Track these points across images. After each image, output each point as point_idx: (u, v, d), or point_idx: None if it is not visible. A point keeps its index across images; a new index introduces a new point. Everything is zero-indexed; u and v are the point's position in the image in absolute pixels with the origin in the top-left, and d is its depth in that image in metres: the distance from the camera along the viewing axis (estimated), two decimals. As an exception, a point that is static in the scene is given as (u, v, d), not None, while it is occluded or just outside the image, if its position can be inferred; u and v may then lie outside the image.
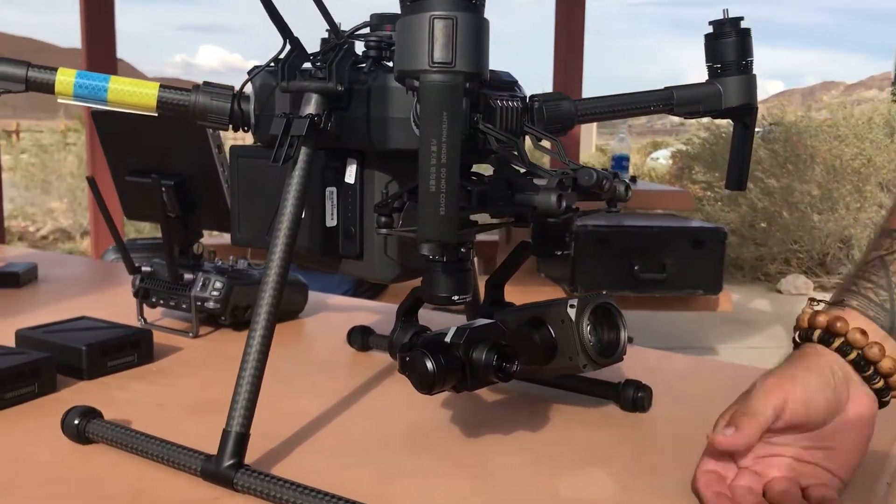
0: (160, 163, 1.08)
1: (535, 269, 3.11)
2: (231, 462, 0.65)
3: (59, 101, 0.73)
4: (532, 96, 0.75)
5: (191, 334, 1.08)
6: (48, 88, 0.73)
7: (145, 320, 1.13)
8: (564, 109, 0.76)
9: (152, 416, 0.81)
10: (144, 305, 1.14)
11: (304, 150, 0.67)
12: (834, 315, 0.66)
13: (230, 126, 0.75)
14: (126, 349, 0.95)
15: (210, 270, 1.09)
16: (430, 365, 0.62)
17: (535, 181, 0.65)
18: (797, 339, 0.70)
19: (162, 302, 1.11)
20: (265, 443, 0.74)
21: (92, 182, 1.05)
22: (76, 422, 0.73)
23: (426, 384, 0.62)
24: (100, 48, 3.75)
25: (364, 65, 0.70)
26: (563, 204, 0.60)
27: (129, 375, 0.93)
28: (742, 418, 0.62)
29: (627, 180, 3.36)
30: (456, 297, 0.63)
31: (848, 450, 0.64)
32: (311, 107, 0.67)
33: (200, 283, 1.07)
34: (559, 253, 0.74)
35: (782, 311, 5.13)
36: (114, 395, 0.87)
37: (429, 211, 0.45)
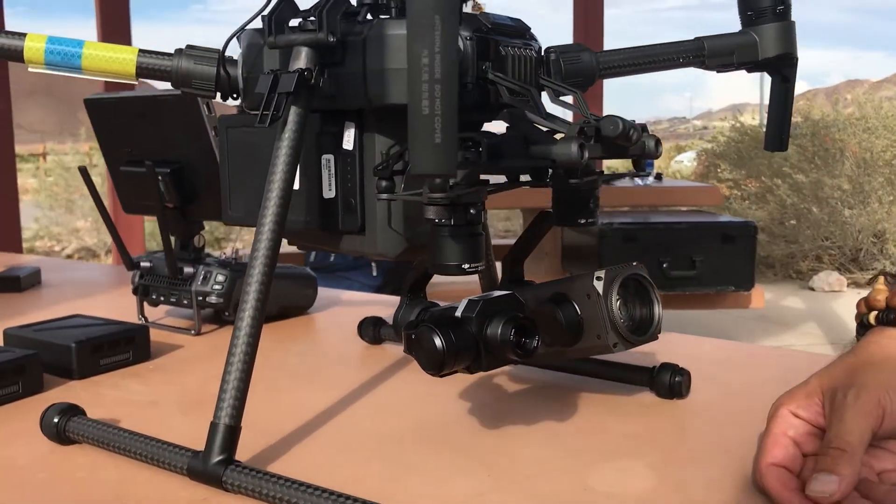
0: (156, 151, 1.01)
1: (561, 267, 3.03)
2: (220, 458, 0.58)
3: (31, 69, 0.67)
4: (548, 48, 0.68)
5: (193, 332, 1.02)
6: (16, 56, 0.67)
7: (146, 319, 1.07)
8: (585, 62, 0.68)
9: (143, 415, 0.75)
10: (145, 303, 1.07)
11: (294, 110, 0.60)
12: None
13: (217, 93, 0.69)
14: (120, 346, 0.88)
15: (212, 264, 1.02)
16: (438, 342, 0.54)
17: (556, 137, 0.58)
18: (869, 322, 0.61)
19: (163, 299, 1.05)
20: (265, 439, 0.67)
21: (84, 172, 0.99)
22: (55, 420, 0.66)
23: (435, 364, 0.54)
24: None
25: (358, 15, 0.63)
26: (586, 154, 0.53)
27: (122, 374, 0.87)
28: (840, 460, 0.52)
29: (652, 177, 3.25)
30: (467, 266, 0.56)
31: None
32: (300, 61, 0.60)
33: (202, 277, 1.01)
34: (583, 221, 0.67)
35: (816, 308, 5.00)
36: (104, 394, 0.80)
37: (422, 139, 0.38)
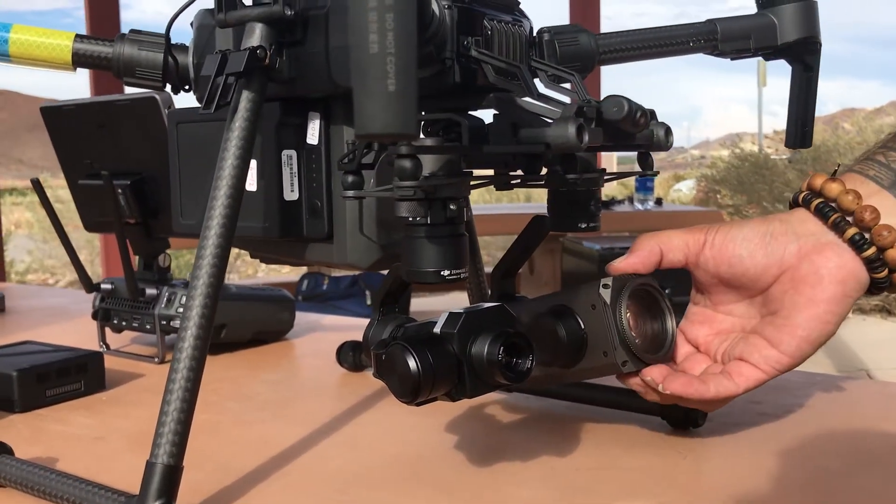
0: (116, 162, 0.93)
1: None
2: (158, 503, 0.49)
3: (-50, 56, 0.59)
4: (541, 28, 0.60)
5: (156, 360, 0.93)
6: (-66, 41, 0.58)
7: (107, 346, 0.98)
8: (582, 44, 0.60)
9: (86, 453, 0.66)
10: (108, 330, 0.98)
11: (246, 94, 0.52)
12: (828, 179, 0.57)
13: (166, 84, 0.61)
14: (70, 375, 0.79)
15: (177, 285, 0.93)
16: (412, 363, 0.45)
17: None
18: (797, 201, 0.60)
19: (125, 324, 0.96)
20: (223, 477, 0.58)
21: (37, 185, 0.91)
22: (-25, 460, 0.57)
23: (409, 389, 0.45)
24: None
25: (322, -12, 0.55)
26: (585, 137, 0.44)
27: (71, 406, 0.77)
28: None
29: (652, 202, 3.17)
30: (446, 273, 0.47)
31: (800, 321, 0.55)
32: (254, 38, 0.52)
33: (165, 300, 0.92)
34: (584, 226, 0.58)
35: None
36: (46, 429, 0.71)
37: (370, 87, 0.29)
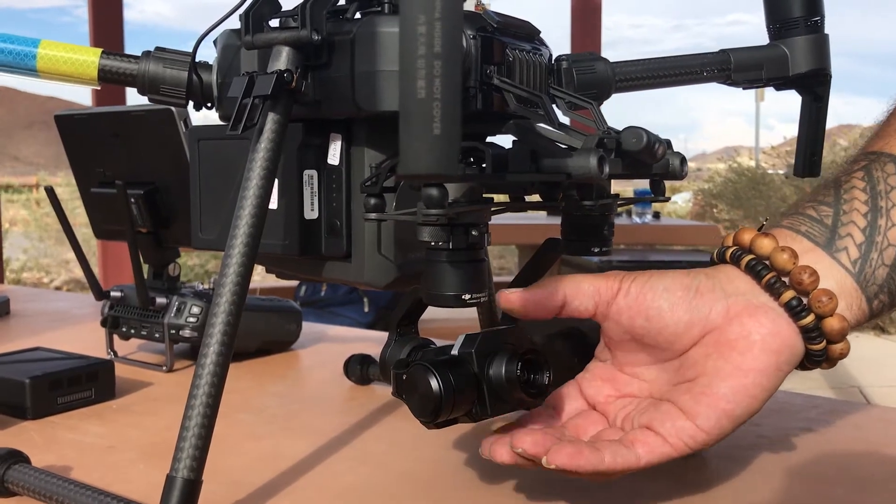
0: (129, 171, 0.94)
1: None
2: (177, 518, 0.49)
3: (-22, 70, 0.60)
4: (559, 56, 0.61)
5: (164, 368, 0.93)
6: (-38, 55, 0.59)
7: (115, 354, 0.99)
8: (599, 72, 0.61)
9: (99, 461, 0.66)
10: (116, 337, 0.99)
11: (272, 116, 0.53)
12: (759, 234, 0.53)
13: (189, 101, 0.62)
14: (81, 383, 0.80)
15: (187, 294, 0.94)
16: (434, 383, 0.47)
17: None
18: (723, 256, 0.55)
19: (133, 332, 0.96)
20: (236, 491, 0.59)
21: (51, 192, 0.92)
22: (-7, 468, 0.58)
23: (430, 409, 0.47)
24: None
25: (346, 14, 0.56)
26: (606, 168, 0.46)
27: (82, 414, 0.78)
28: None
29: (650, 215, 3.19)
30: (467, 296, 0.48)
31: (723, 392, 0.48)
32: (280, 62, 0.53)
33: (175, 309, 0.93)
34: (596, 250, 0.59)
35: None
36: (59, 437, 0.72)
37: (416, 129, 0.30)
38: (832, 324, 0.49)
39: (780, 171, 7.04)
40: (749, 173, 6.81)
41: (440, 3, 0.28)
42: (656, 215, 3.85)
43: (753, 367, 0.49)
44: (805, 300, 0.50)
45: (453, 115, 0.30)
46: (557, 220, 0.60)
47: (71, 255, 8.20)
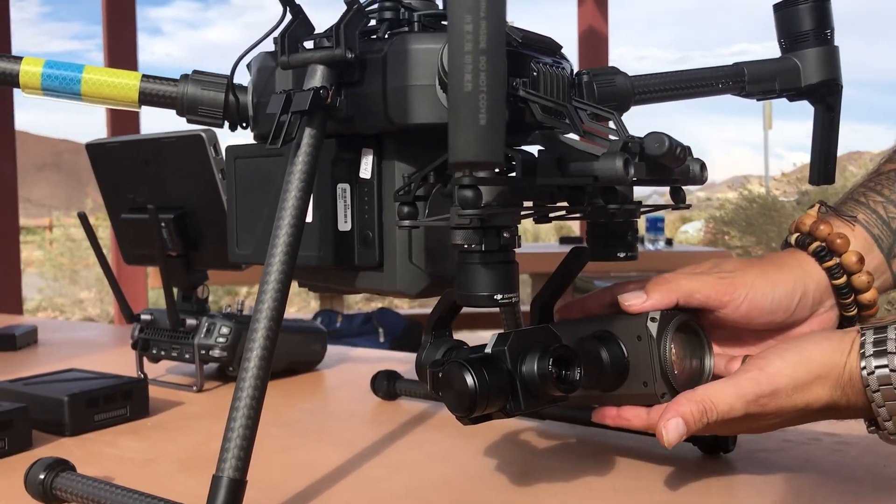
0: (159, 197, 0.96)
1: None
2: (223, 516, 0.51)
3: (25, 94, 0.63)
4: (580, 70, 0.64)
5: (194, 388, 0.95)
6: (12, 80, 0.62)
7: (145, 375, 1.00)
8: (619, 86, 0.64)
9: (139, 473, 0.68)
10: (145, 359, 1.01)
11: (309, 132, 0.55)
12: (837, 232, 0.62)
13: (225, 122, 0.64)
14: (116, 401, 0.82)
15: (216, 315, 0.96)
16: (469, 380, 0.48)
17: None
18: (790, 242, 0.65)
19: (164, 353, 0.99)
20: (272, 496, 0.61)
21: (84, 219, 0.95)
22: (41, 476, 0.60)
23: (465, 404, 0.48)
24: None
25: (377, 34, 0.58)
26: (631, 170, 0.48)
27: (118, 430, 0.80)
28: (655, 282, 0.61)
29: (663, 242, 3.20)
30: (499, 297, 0.50)
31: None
32: (316, 79, 0.56)
33: (205, 330, 0.95)
34: (622, 255, 0.61)
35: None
36: (98, 451, 0.74)
37: (464, 120, 0.32)
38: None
39: (792, 198, 7.05)
40: (760, 200, 6.81)
41: (485, 3, 0.31)
42: (669, 242, 3.86)
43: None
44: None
45: (498, 106, 0.33)
46: (568, 249, 0.64)
47: (85, 293, 8.26)
